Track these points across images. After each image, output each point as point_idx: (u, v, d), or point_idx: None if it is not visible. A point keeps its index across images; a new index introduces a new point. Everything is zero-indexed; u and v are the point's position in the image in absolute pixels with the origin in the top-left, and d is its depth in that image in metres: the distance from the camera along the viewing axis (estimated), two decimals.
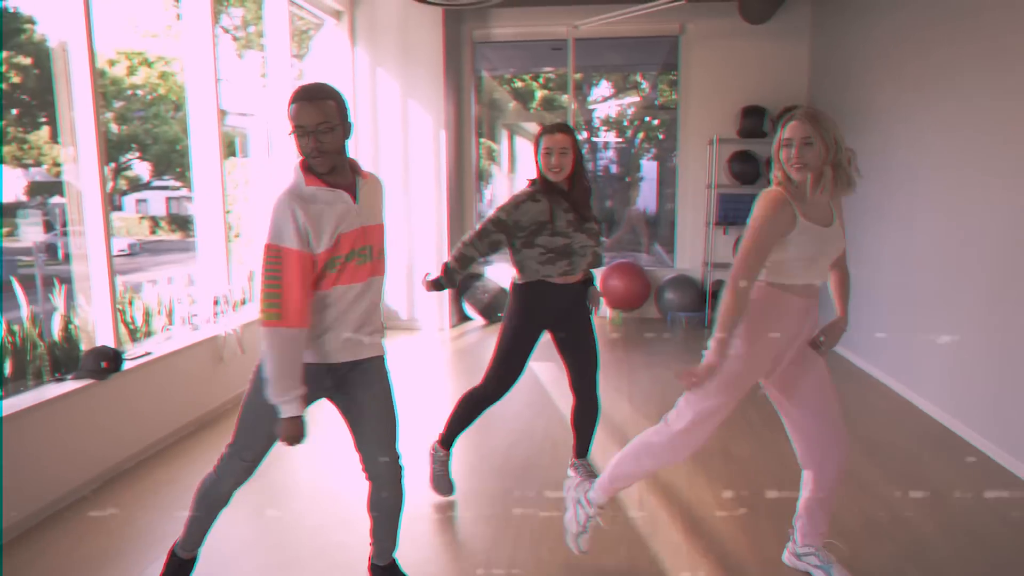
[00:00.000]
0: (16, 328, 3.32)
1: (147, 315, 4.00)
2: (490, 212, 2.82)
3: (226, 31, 14.79)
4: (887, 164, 4.77)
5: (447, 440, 3.01)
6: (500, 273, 7.16)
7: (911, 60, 4.44)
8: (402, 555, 2.45)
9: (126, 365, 3.35)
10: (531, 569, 2.47)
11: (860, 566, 2.46)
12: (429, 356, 5.64)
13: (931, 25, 4.18)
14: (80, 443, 3.08)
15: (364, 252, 1.99)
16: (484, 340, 6.10)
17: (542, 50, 7.67)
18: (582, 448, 3.13)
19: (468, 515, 2.91)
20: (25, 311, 3.47)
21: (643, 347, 5.88)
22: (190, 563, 2.24)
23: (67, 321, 3.54)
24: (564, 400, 4.39)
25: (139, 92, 18.45)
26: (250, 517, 2.89)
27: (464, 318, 6.96)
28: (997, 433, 3.41)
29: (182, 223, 23.48)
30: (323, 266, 1.93)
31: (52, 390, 3.04)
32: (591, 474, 3.09)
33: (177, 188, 23.97)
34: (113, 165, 19.51)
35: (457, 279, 2.87)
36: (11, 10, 13.93)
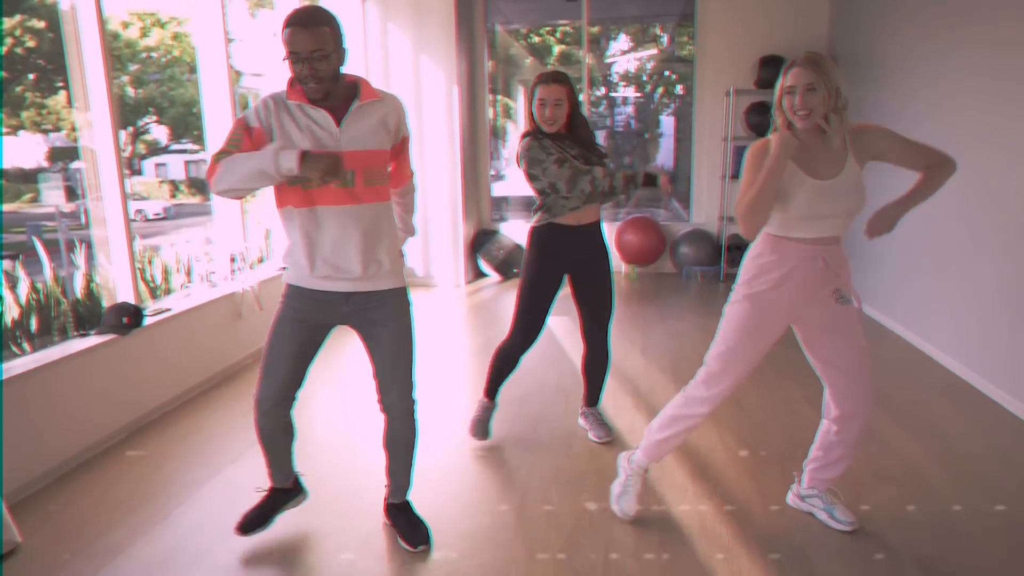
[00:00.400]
0: (40, 287, 3.41)
1: (166, 273, 4.08)
2: (519, 175, 2.81)
3: None
4: (907, 111, 4.67)
5: (490, 391, 3.14)
6: (514, 230, 7.17)
7: (931, 3, 4.30)
8: (419, 497, 2.53)
9: (146, 321, 3.44)
10: (540, 508, 2.54)
11: (864, 508, 2.50)
12: (445, 312, 5.70)
13: None
14: (106, 395, 3.19)
15: (343, 176, 1.96)
16: (499, 296, 6.14)
17: (556, 3, 7.53)
18: (592, 397, 3.19)
19: (474, 466, 2.98)
20: (48, 272, 3.55)
21: (658, 300, 5.90)
22: (286, 491, 2.45)
23: (89, 280, 3.63)
24: (577, 353, 4.44)
25: (153, 55, 18.40)
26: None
27: (479, 274, 7.00)
28: (1009, 382, 3.41)
29: (201, 186, 23.64)
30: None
31: (76, 345, 3.13)
32: (601, 423, 3.15)
33: (196, 151, 24.08)
34: (131, 129, 19.57)
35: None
36: None
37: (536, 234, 2.88)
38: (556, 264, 2.88)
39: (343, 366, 4.16)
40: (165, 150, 23.26)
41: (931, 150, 2.19)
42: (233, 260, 4.26)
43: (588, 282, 2.95)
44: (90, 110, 3.34)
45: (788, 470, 2.76)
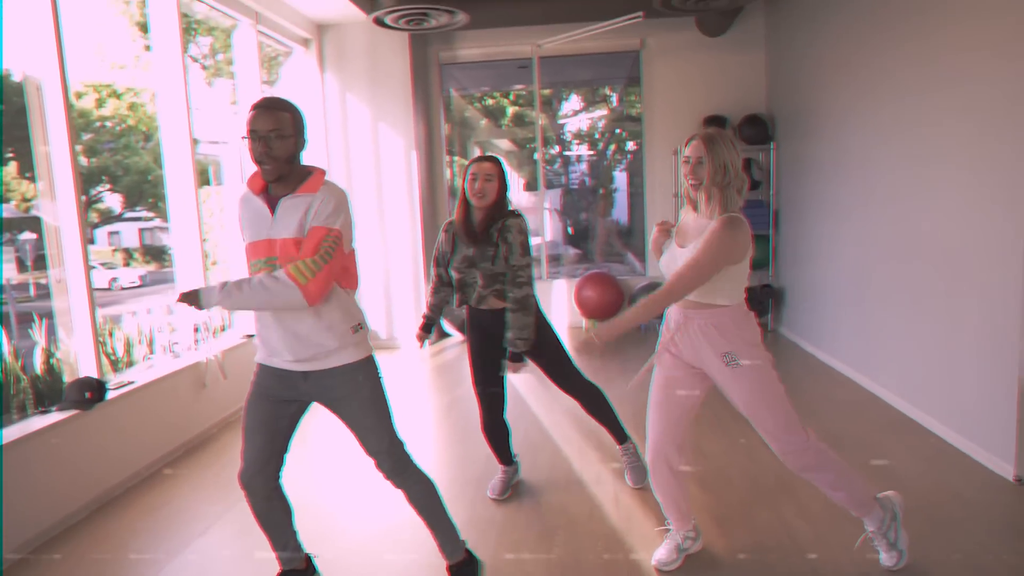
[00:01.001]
0: None
1: (128, 345, 4.06)
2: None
3: (195, 60, 14.85)
4: (841, 164, 4.98)
5: (502, 459, 3.25)
6: None
7: (857, 63, 4.66)
8: (394, 557, 2.54)
9: (110, 395, 3.42)
10: (512, 565, 2.58)
11: (825, 545, 2.60)
12: (409, 373, 5.73)
13: (873, 31, 4.41)
14: (68, 473, 3.14)
15: (271, 263, 2.06)
16: (462, 356, 6.20)
17: (509, 68, 7.85)
18: (617, 434, 3.29)
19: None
20: (6, 347, 3.52)
21: (619, 354, 6.02)
22: (299, 572, 2.41)
23: (48, 354, 3.60)
24: (541, 406, 4.52)
25: (108, 124, 18.39)
26: (239, 534, 2.97)
27: (443, 334, 7.06)
28: (950, 417, 3.59)
29: (156, 254, 23.35)
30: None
31: (37, 422, 3.10)
32: (636, 455, 3.24)
33: (150, 219, 23.86)
34: (84, 198, 19.38)
35: (437, 321, 3.13)
36: None
37: (469, 319, 3.07)
38: (493, 342, 3.00)
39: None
40: (119, 218, 23.00)
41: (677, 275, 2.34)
42: (196, 330, 4.27)
43: (536, 351, 3.05)
44: (43, 180, 3.38)
45: (752, 514, 2.86)
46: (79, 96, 16.88)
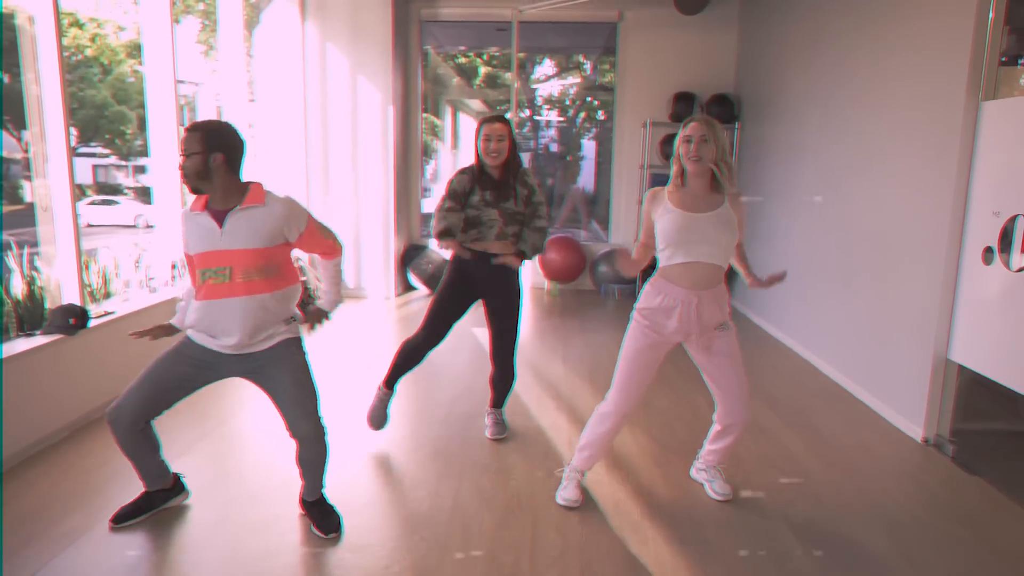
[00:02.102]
0: None
1: (106, 278, 4.16)
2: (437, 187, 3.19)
3: None
4: (797, 148, 5.29)
5: (389, 381, 3.39)
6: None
7: (817, 50, 4.94)
8: (351, 491, 2.78)
9: (91, 323, 3.55)
10: (473, 495, 2.84)
11: (750, 489, 2.93)
12: (375, 322, 5.93)
13: (835, 19, 4.67)
14: (52, 393, 3.28)
15: (221, 273, 2.31)
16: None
17: (487, 30, 7.93)
18: (498, 400, 3.53)
19: (413, 457, 3.26)
20: None
21: (578, 315, 6.32)
22: (165, 491, 2.67)
23: (31, 282, 3.69)
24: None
25: (65, 53, 17.73)
26: (213, 459, 3.18)
27: (409, 287, 7.25)
28: (873, 385, 3.97)
29: (111, 191, 22.68)
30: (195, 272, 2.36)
31: (22, 344, 3.22)
32: (499, 422, 3.51)
33: (105, 155, 23.11)
34: (35, 130, 18.68)
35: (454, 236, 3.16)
36: None
37: (455, 260, 3.25)
38: (467, 289, 3.24)
39: None
40: (73, 153, 22.18)
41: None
42: (173, 267, 4.38)
43: (498, 311, 3.29)
44: (41, 118, 3.44)
45: (689, 460, 3.18)
46: (30, 21, 16.23)
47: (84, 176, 23.35)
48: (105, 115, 20.17)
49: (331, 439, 2.56)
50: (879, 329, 3.96)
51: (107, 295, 4.14)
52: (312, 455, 2.52)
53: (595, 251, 7.37)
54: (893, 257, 3.84)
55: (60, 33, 3.41)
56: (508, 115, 7.47)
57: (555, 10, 6.69)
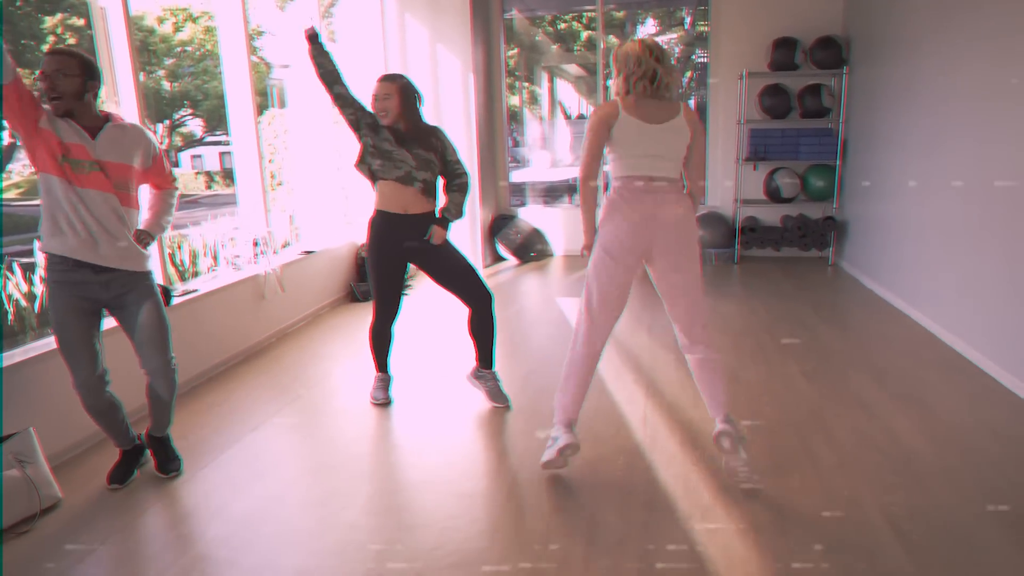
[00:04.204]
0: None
1: (194, 257, 4.32)
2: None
3: None
4: (915, 93, 4.69)
5: (380, 366, 3.48)
6: (533, 215, 7.31)
7: None
8: (422, 460, 2.72)
9: (175, 300, 3.68)
10: (534, 475, 2.71)
11: (843, 471, 2.62)
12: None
13: None
14: (135, 370, 3.42)
15: (84, 165, 2.42)
16: (517, 279, 6.30)
17: None
18: (484, 358, 3.39)
19: (477, 434, 3.16)
20: None
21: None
22: (138, 449, 2.86)
23: None
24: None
25: (187, 48, 18.82)
26: (284, 432, 3.22)
27: (498, 258, 7.16)
28: (1009, 359, 3.47)
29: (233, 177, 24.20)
30: (51, 152, 2.39)
31: (109, 320, 3.37)
32: (498, 390, 3.36)
33: (229, 143, 24.65)
34: (167, 122, 20.06)
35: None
36: None
37: (373, 225, 3.22)
38: (390, 250, 3.19)
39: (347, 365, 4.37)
40: (200, 142, 23.81)
41: (702, 173, 2.65)
42: (256, 244, 4.49)
43: (431, 258, 3.23)
44: (119, 103, 3.56)
45: (775, 440, 2.89)
46: (160, 21, 17.29)
47: (212, 163, 24.96)
48: (227, 104, 21.45)
49: (393, 414, 2.50)
50: (1013, 294, 3.44)
51: (195, 274, 4.30)
52: (163, 389, 2.70)
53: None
54: None
55: (131, 26, 3.49)
56: (603, 78, 7.16)
57: None
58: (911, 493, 2.48)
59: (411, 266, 3.39)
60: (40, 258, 2.57)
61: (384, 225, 3.19)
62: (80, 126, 2.45)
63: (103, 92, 3.43)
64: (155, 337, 2.66)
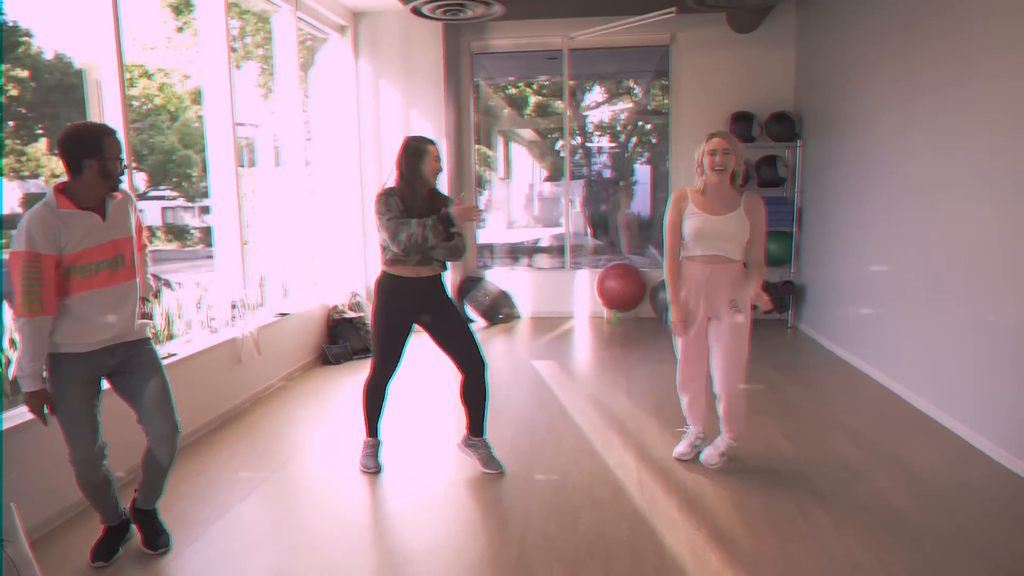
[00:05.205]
0: None
1: (168, 320, 4.21)
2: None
3: None
4: (868, 163, 5.02)
5: (371, 431, 3.42)
6: (499, 276, 7.39)
7: (887, 63, 4.70)
8: (420, 531, 2.66)
9: None
10: (540, 542, 2.69)
11: (840, 532, 2.69)
12: (432, 357, 5.84)
13: (904, 31, 4.44)
14: (113, 439, 3.28)
15: (115, 260, 2.43)
16: (487, 341, 6.32)
17: (538, 59, 7.91)
18: (476, 425, 3.40)
19: (474, 499, 3.13)
20: None
21: (640, 345, 6.12)
22: (124, 525, 2.73)
23: None
24: (564, 393, 4.63)
25: (135, 103, 18.59)
26: (272, 504, 3.11)
27: (467, 320, 7.17)
28: (975, 419, 3.66)
29: (179, 232, 23.65)
30: (70, 270, 2.35)
31: None
32: (491, 456, 3.38)
33: (173, 198, 24.13)
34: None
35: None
36: (9, 23, 14.11)
37: (379, 283, 3.25)
38: (398, 310, 3.22)
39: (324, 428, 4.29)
40: (143, 197, 23.26)
41: (760, 250, 3.22)
42: (234, 307, 4.41)
43: (438, 320, 3.26)
44: None
45: (772, 502, 2.95)
46: (93, 72, 17.12)
47: (154, 218, 24.39)
48: (173, 159, 21.10)
49: (382, 483, 2.47)
50: (973, 354, 3.66)
51: (170, 336, 4.18)
52: (165, 456, 2.62)
53: (654, 278, 7.16)
54: (988, 276, 3.55)
55: (124, 85, 3.49)
56: (558, 144, 7.42)
57: (606, 36, 6.61)
58: (907, 552, 2.56)
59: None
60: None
61: (394, 288, 3.19)
62: (86, 208, 2.40)
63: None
64: (164, 402, 2.60)
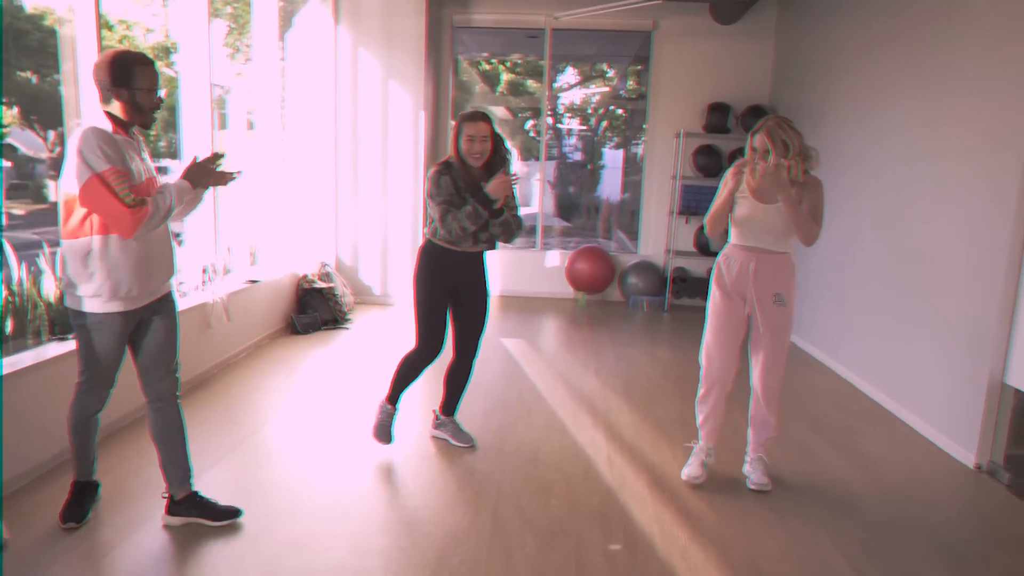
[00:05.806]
0: (16, 288, 3.42)
1: None
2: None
3: None
4: (837, 162, 5.16)
5: (392, 397, 3.34)
6: None
7: (863, 64, 4.81)
8: (390, 509, 2.69)
9: None
10: (513, 514, 2.75)
11: (800, 514, 2.81)
12: (402, 329, 5.85)
13: (883, 34, 4.55)
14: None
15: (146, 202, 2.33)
16: None
17: (518, 37, 7.87)
18: (450, 406, 3.47)
19: (448, 474, 3.17)
20: (24, 273, 3.55)
21: (607, 327, 6.21)
22: (94, 483, 2.67)
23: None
24: (535, 371, 4.69)
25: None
26: (245, 472, 3.10)
27: None
28: (929, 412, 3.83)
29: None
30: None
31: (53, 349, 3.17)
32: (461, 431, 3.44)
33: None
34: (60, 129, 18.86)
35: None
36: None
37: (422, 251, 3.21)
38: (438, 281, 3.18)
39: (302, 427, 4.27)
40: None
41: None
42: (205, 271, 4.33)
43: (467, 301, 3.26)
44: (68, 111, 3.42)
45: (734, 484, 3.06)
46: (60, 23, 16.43)
47: None
48: (180, 124, 20.45)
49: (355, 453, 2.49)
50: (928, 350, 3.82)
51: None
52: (174, 420, 2.56)
53: (624, 262, 7.26)
54: (945, 275, 3.70)
55: (100, 36, 3.37)
56: (531, 124, 7.41)
57: (590, 18, 6.61)
58: (864, 534, 2.70)
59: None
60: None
61: (438, 258, 3.15)
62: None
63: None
64: (170, 358, 2.56)
